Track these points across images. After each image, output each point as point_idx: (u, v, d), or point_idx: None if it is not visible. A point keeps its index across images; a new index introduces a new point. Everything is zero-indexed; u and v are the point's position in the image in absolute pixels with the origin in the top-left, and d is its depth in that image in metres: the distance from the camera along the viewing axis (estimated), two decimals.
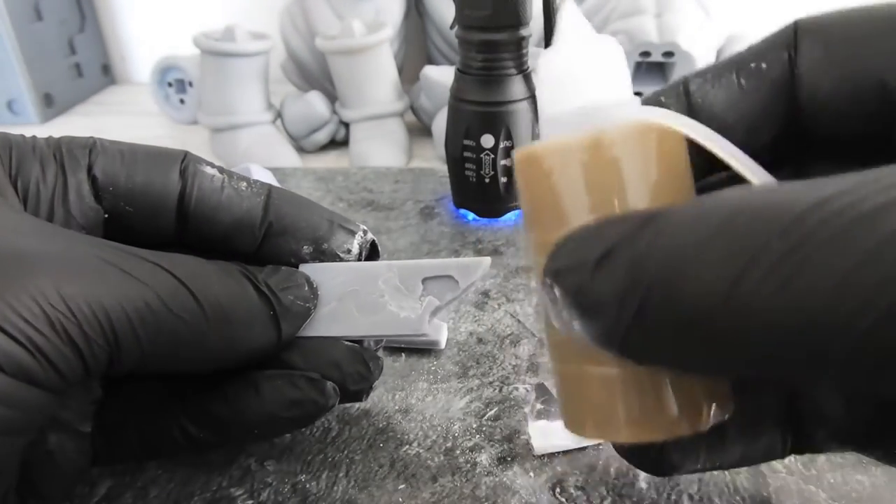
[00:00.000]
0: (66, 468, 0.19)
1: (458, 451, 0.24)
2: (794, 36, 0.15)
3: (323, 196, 0.46)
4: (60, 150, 0.20)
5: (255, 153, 0.56)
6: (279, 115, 0.60)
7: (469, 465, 0.24)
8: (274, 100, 0.60)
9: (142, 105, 0.75)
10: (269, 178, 0.42)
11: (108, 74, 0.84)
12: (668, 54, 0.58)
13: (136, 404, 0.21)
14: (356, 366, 0.21)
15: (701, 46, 0.59)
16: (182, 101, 0.69)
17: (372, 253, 0.24)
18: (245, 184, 0.21)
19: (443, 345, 0.26)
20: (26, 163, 0.19)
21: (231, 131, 0.58)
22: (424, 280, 0.21)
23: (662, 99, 0.17)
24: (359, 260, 0.23)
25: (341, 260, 0.22)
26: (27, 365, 0.15)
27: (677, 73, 0.59)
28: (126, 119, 0.72)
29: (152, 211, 0.20)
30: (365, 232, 0.23)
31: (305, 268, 0.22)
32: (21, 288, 0.15)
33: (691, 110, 0.16)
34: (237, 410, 0.20)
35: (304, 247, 0.22)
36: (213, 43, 0.55)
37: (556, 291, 0.13)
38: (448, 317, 0.32)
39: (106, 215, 0.20)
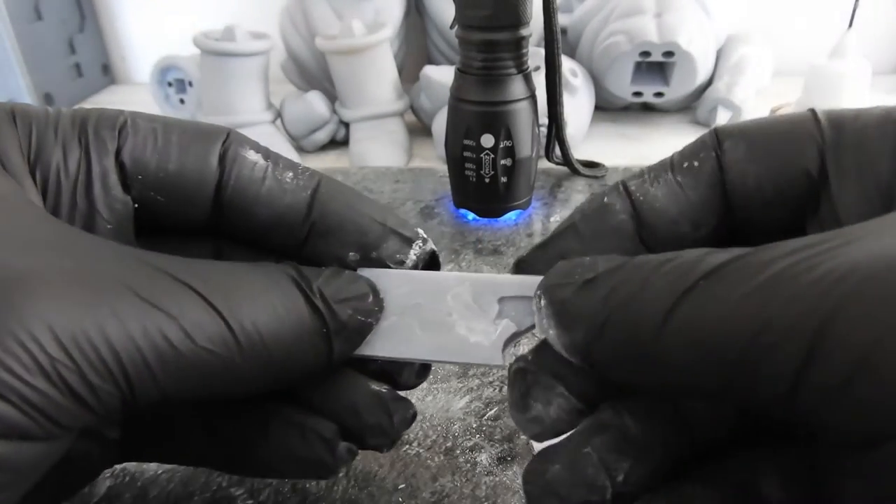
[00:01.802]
0: (87, 473, 0.18)
1: (458, 451, 0.24)
2: (717, 137, 0.17)
3: None
4: (86, 130, 0.17)
5: None
6: (279, 115, 0.60)
7: (469, 465, 0.24)
8: (274, 100, 0.60)
9: (142, 105, 0.74)
10: None
11: (108, 74, 0.84)
12: (668, 54, 0.58)
13: (161, 415, 0.19)
14: (378, 416, 0.18)
15: (701, 46, 0.59)
16: (182, 101, 0.68)
17: (432, 266, 0.20)
18: (291, 174, 0.18)
19: (505, 366, 0.20)
20: (47, 146, 0.17)
21: None
22: (501, 299, 0.18)
23: (605, 199, 0.18)
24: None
25: None
26: (19, 424, 0.12)
27: (677, 73, 0.59)
28: None
29: (186, 200, 0.18)
30: (425, 241, 0.20)
31: (363, 272, 0.19)
32: (7, 331, 0.12)
33: (635, 208, 0.18)
34: (247, 447, 0.18)
35: (350, 253, 0.19)
36: (213, 43, 0.55)
37: (543, 302, 0.16)
38: None
39: (136, 205, 0.18)
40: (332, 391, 0.19)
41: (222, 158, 0.18)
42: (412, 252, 0.19)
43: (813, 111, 0.17)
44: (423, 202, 0.45)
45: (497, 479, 0.23)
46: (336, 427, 0.18)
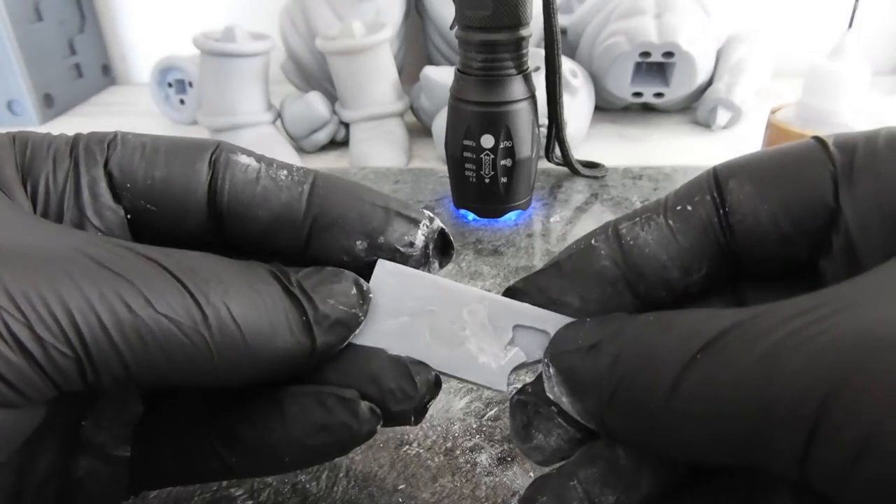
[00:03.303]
0: (98, 497, 0.17)
1: (458, 452, 0.24)
2: (715, 179, 0.17)
3: None
4: (77, 145, 0.18)
5: None
6: (279, 115, 0.60)
7: (469, 466, 0.24)
8: (274, 100, 0.60)
9: (142, 105, 0.75)
10: None
11: (108, 75, 0.84)
12: (668, 54, 0.58)
13: (173, 425, 0.18)
14: (399, 381, 0.18)
15: (701, 46, 0.59)
16: (182, 102, 0.69)
17: (444, 246, 0.20)
18: (285, 172, 0.18)
19: (507, 393, 0.19)
20: (38, 160, 0.17)
21: (231, 132, 0.58)
22: (516, 327, 0.18)
23: (593, 241, 0.17)
24: (425, 254, 0.19)
25: (402, 256, 0.18)
26: None
27: (677, 73, 0.59)
28: (126, 119, 0.72)
29: (179, 209, 0.18)
30: (431, 220, 0.19)
31: (383, 266, 0.18)
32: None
33: (623, 252, 0.17)
34: (263, 434, 0.17)
35: (357, 242, 0.18)
36: (213, 43, 0.55)
37: (552, 370, 0.16)
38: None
39: (128, 216, 0.18)
40: (348, 363, 0.18)
41: (214, 165, 0.18)
42: (420, 233, 0.19)
43: (818, 138, 0.16)
44: (423, 202, 0.45)
45: (497, 479, 0.23)
46: (355, 391, 0.17)
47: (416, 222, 0.19)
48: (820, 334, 0.12)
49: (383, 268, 0.18)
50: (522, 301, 0.18)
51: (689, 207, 0.17)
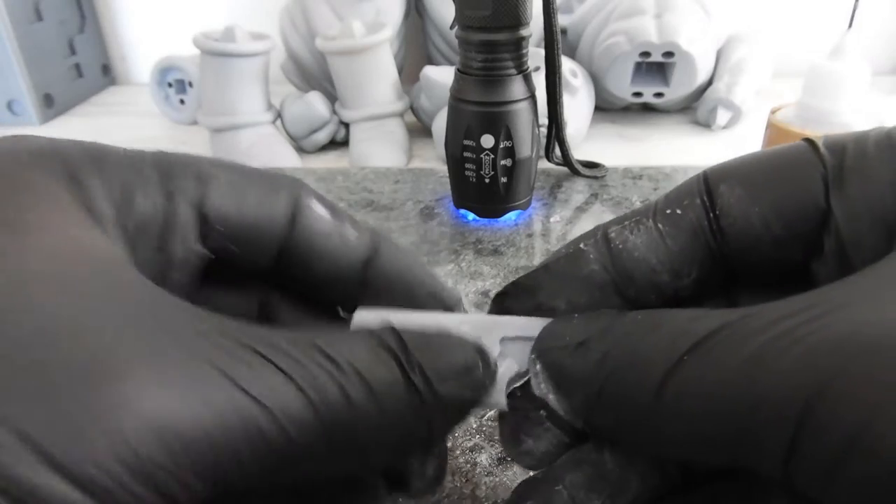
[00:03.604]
0: None
1: (458, 451, 0.24)
2: (706, 183, 0.17)
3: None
4: (169, 178, 0.16)
5: (255, 154, 0.56)
6: (279, 115, 0.60)
7: (469, 466, 0.24)
8: (274, 100, 0.60)
9: (142, 105, 0.75)
10: None
11: (108, 75, 0.84)
12: (668, 54, 0.58)
13: None
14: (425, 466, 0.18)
15: (701, 46, 0.59)
16: (182, 102, 0.69)
17: None
18: (355, 233, 0.18)
19: (506, 407, 0.18)
20: (133, 193, 0.15)
21: (231, 132, 0.58)
22: (503, 340, 0.18)
23: (582, 245, 0.17)
24: None
25: None
26: None
27: (677, 73, 0.59)
28: (126, 119, 0.72)
29: (257, 251, 0.17)
30: (460, 305, 0.20)
31: (360, 315, 0.18)
32: (102, 426, 0.11)
33: (612, 256, 0.17)
34: None
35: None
36: (213, 43, 0.55)
37: (538, 367, 0.16)
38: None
39: (213, 257, 0.17)
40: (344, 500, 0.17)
41: (293, 209, 0.18)
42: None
43: (809, 140, 0.16)
44: (423, 202, 0.45)
45: (497, 479, 0.23)
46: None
47: (450, 309, 0.19)
48: (807, 336, 0.12)
49: (361, 316, 0.18)
50: (510, 305, 0.18)
51: (679, 211, 0.17)
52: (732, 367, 0.12)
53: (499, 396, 0.17)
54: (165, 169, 0.16)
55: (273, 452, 0.12)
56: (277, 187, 0.18)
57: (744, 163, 0.17)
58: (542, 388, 0.16)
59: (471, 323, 0.18)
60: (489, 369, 0.16)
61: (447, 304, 0.19)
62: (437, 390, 0.14)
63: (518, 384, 0.18)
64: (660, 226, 0.17)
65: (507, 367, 0.17)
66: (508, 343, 0.18)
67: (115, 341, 0.12)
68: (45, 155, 0.15)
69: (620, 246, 0.17)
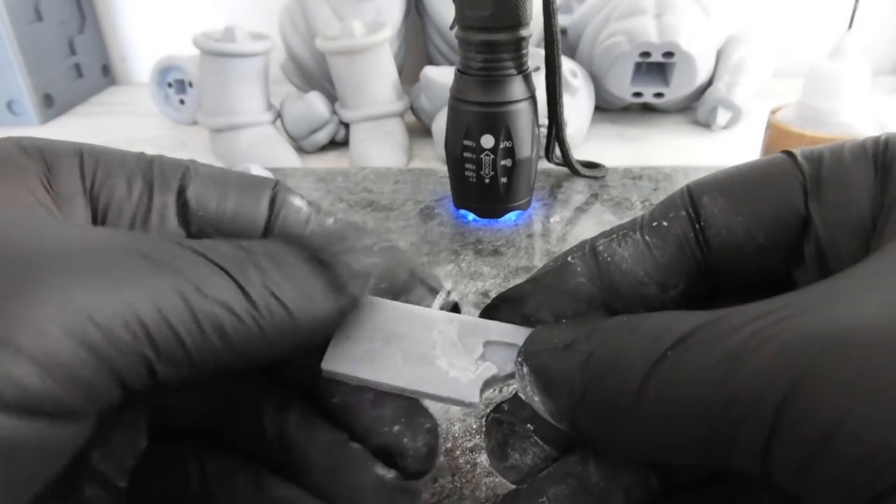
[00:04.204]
0: None
1: (458, 452, 0.24)
2: (690, 196, 0.17)
3: (323, 197, 0.46)
4: (151, 168, 0.18)
5: (255, 154, 0.56)
6: (279, 115, 0.60)
7: (469, 466, 0.24)
8: (274, 100, 0.60)
9: (142, 105, 0.75)
10: None
11: (107, 75, 0.84)
12: (669, 54, 0.58)
13: (160, 468, 0.18)
14: None
15: (701, 47, 0.59)
16: (182, 102, 0.69)
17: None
18: (331, 220, 0.20)
19: (479, 406, 0.19)
20: (112, 177, 0.18)
21: (231, 132, 0.58)
22: (487, 343, 0.18)
23: (570, 259, 0.17)
24: None
25: None
26: (52, 394, 0.12)
27: (677, 73, 0.59)
28: (126, 119, 0.72)
29: (240, 239, 0.19)
30: (448, 293, 0.21)
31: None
32: (43, 300, 0.12)
33: (600, 269, 0.17)
34: None
35: (378, 296, 0.19)
36: (213, 43, 0.55)
37: (525, 369, 0.16)
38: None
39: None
40: (336, 470, 0.18)
41: (272, 203, 0.19)
42: (436, 302, 0.20)
43: (787, 151, 0.17)
44: (423, 203, 0.45)
45: (497, 479, 0.23)
46: None
47: (434, 292, 0.20)
48: (781, 333, 0.12)
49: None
50: (498, 317, 0.18)
51: (665, 223, 0.17)
52: (708, 365, 0.12)
53: (473, 393, 0.18)
54: (148, 160, 0.18)
55: (203, 325, 0.14)
56: (257, 182, 0.19)
57: (725, 175, 0.17)
58: (527, 391, 0.16)
59: (459, 322, 0.19)
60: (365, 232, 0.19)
61: (431, 286, 0.20)
62: (339, 264, 0.17)
63: (492, 389, 0.18)
64: (647, 238, 0.17)
65: (486, 369, 0.18)
66: (492, 346, 0.18)
67: (42, 242, 0.13)
68: (31, 145, 0.17)
69: (608, 259, 0.17)
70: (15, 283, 0.12)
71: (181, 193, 0.18)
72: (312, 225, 0.19)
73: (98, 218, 0.17)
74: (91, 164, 0.17)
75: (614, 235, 0.17)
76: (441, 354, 0.18)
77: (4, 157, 0.17)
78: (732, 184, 0.17)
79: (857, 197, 0.15)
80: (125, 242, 0.14)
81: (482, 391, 0.18)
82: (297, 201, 0.20)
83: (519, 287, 0.18)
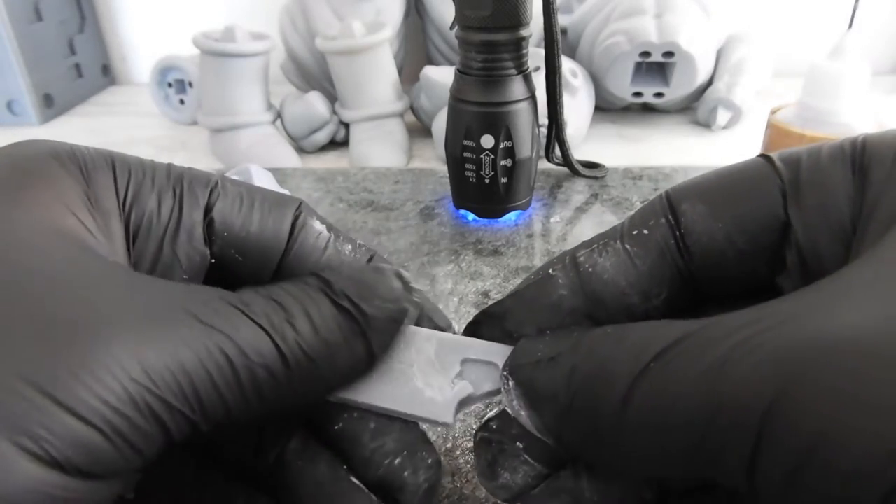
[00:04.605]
0: None
1: (457, 452, 0.24)
2: (669, 202, 0.17)
3: (323, 196, 0.46)
4: (181, 183, 0.18)
5: (254, 154, 0.56)
6: (279, 115, 0.60)
7: (469, 466, 0.24)
8: (274, 100, 0.60)
9: (142, 105, 0.75)
10: (269, 179, 0.42)
11: (107, 75, 0.84)
12: (669, 54, 0.58)
13: (162, 481, 0.18)
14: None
15: (701, 46, 0.59)
16: (182, 102, 0.69)
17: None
18: (350, 247, 0.20)
19: (454, 426, 0.19)
20: (143, 192, 0.17)
21: (231, 132, 0.58)
22: (464, 361, 0.18)
23: (551, 271, 0.17)
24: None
25: None
26: (100, 451, 0.12)
27: (677, 73, 0.59)
28: (126, 119, 0.72)
29: (259, 261, 0.19)
30: (451, 328, 0.21)
31: None
32: (97, 360, 0.13)
33: (582, 280, 0.17)
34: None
35: None
36: (213, 43, 0.55)
37: (511, 383, 0.16)
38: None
39: (213, 260, 0.18)
40: (328, 496, 0.18)
41: (293, 224, 0.19)
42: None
43: (764, 155, 0.16)
44: (423, 203, 0.45)
45: None
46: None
47: (441, 330, 0.20)
48: (765, 343, 0.12)
49: None
50: (481, 333, 0.18)
51: (646, 231, 0.17)
52: (693, 376, 0.12)
53: (447, 413, 0.18)
54: (178, 175, 0.18)
55: (243, 383, 0.14)
56: (281, 203, 0.19)
57: (703, 181, 0.17)
58: (514, 405, 0.16)
59: (438, 339, 0.19)
60: (406, 282, 0.18)
61: (438, 325, 0.20)
62: (364, 311, 0.16)
63: (468, 409, 0.18)
64: (627, 247, 0.17)
65: (462, 388, 0.18)
66: (469, 365, 0.18)
67: (97, 297, 0.14)
68: (64, 152, 0.17)
69: (590, 269, 0.17)
70: (74, 339, 0.13)
71: (208, 211, 0.18)
72: (330, 251, 0.19)
73: (130, 235, 0.17)
74: (123, 176, 0.17)
75: (595, 245, 0.17)
76: (418, 373, 0.18)
77: (42, 170, 0.16)
78: (711, 189, 0.17)
79: (836, 200, 0.15)
80: (174, 297, 0.15)
81: (457, 411, 0.18)
82: (318, 225, 0.19)
83: (501, 302, 0.18)
